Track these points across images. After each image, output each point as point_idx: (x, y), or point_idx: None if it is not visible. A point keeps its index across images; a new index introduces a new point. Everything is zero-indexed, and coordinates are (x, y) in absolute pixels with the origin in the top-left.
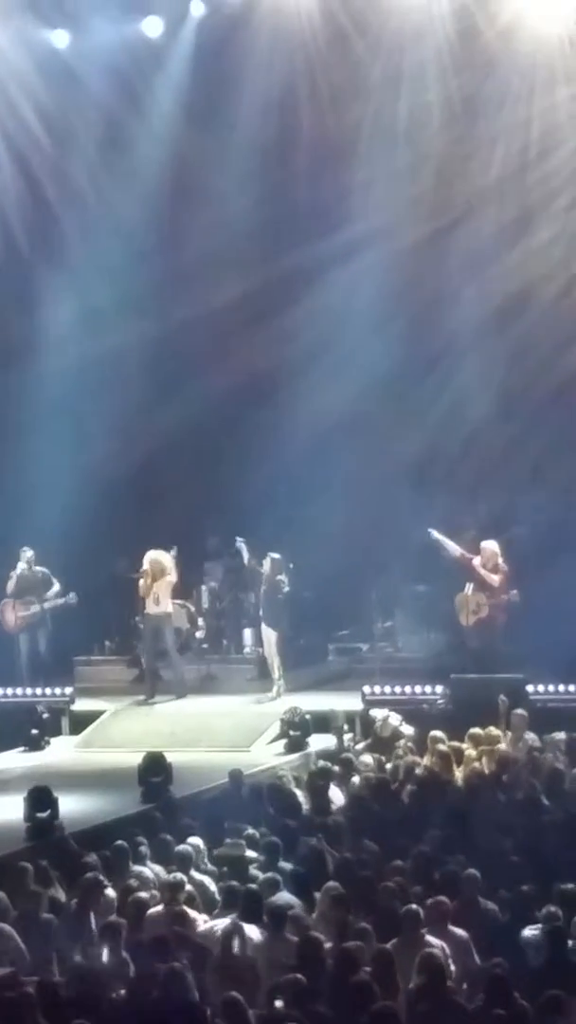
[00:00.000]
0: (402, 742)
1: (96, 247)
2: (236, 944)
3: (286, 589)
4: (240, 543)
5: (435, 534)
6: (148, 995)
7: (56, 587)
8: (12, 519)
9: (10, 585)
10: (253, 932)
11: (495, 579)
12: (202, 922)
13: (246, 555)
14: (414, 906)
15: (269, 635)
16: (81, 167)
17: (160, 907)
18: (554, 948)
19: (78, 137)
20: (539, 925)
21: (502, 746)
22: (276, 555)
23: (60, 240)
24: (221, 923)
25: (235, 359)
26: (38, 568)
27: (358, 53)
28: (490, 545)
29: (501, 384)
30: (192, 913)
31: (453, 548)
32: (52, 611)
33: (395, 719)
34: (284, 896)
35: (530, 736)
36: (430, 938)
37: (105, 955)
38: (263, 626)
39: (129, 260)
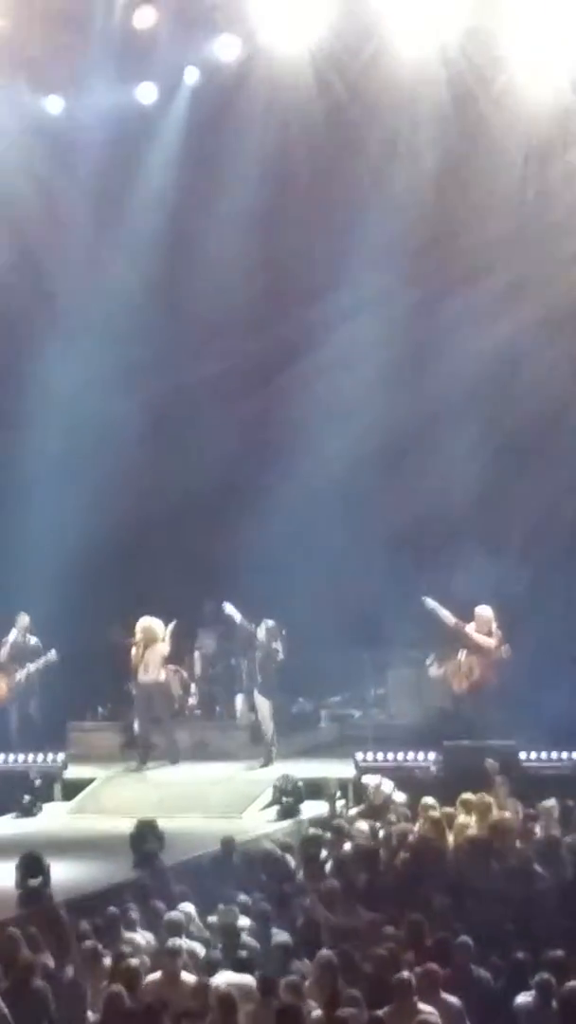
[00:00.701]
0: (395, 808)
1: (91, 314)
2: None
3: (280, 657)
4: (228, 608)
5: (429, 602)
6: None
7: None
8: (4, 583)
9: (3, 652)
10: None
11: (491, 642)
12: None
13: (237, 618)
14: (406, 973)
15: (262, 703)
16: (76, 234)
17: (158, 974)
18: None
19: (72, 203)
20: (531, 992)
21: (495, 813)
22: (271, 622)
23: (55, 307)
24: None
25: (229, 425)
26: (32, 638)
27: (353, 120)
28: (484, 611)
29: (494, 453)
30: (188, 977)
31: (447, 616)
32: (40, 675)
33: (387, 786)
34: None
35: (513, 802)
36: (422, 1005)
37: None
38: (256, 693)
39: (124, 327)
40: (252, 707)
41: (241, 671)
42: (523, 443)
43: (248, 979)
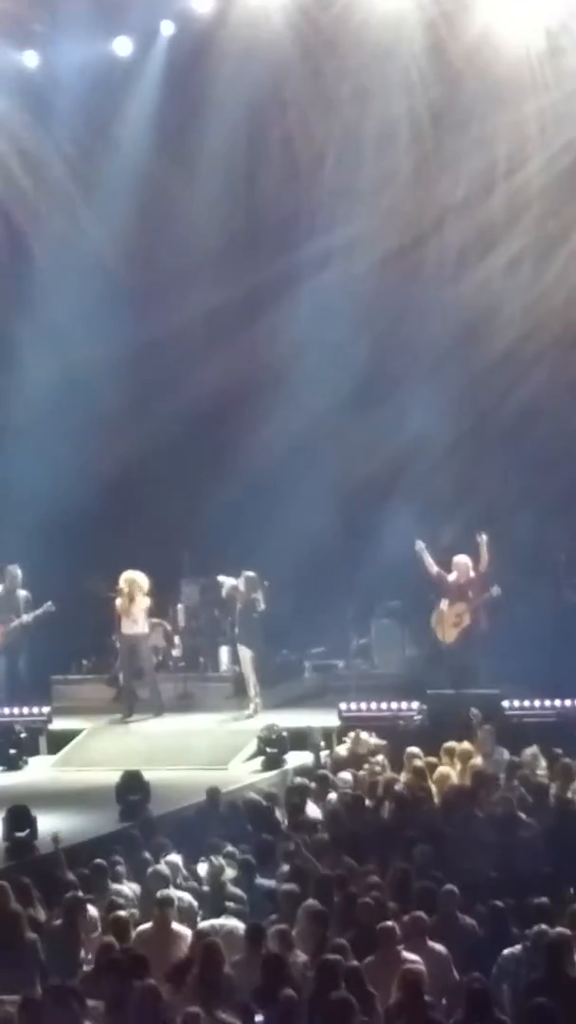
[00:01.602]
0: (379, 758)
1: (64, 263)
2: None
3: (261, 607)
4: (221, 579)
5: (419, 544)
6: (125, 1012)
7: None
8: None
9: None
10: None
11: (473, 572)
12: (188, 936)
13: (225, 589)
14: (390, 922)
15: (244, 654)
16: (50, 185)
17: (148, 924)
18: (552, 962)
19: (48, 155)
20: (519, 946)
21: (477, 761)
22: (251, 573)
23: (27, 256)
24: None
25: (205, 375)
26: (21, 591)
27: (327, 69)
28: (461, 559)
29: (473, 398)
30: (178, 928)
31: (430, 565)
32: (34, 624)
33: (365, 735)
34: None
35: (499, 749)
36: (406, 954)
37: (91, 973)
38: (238, 645)
39: (98, 277)
40: (235, 659)
41: (224, 623)
42: (501, 388)
43: (236, 924)
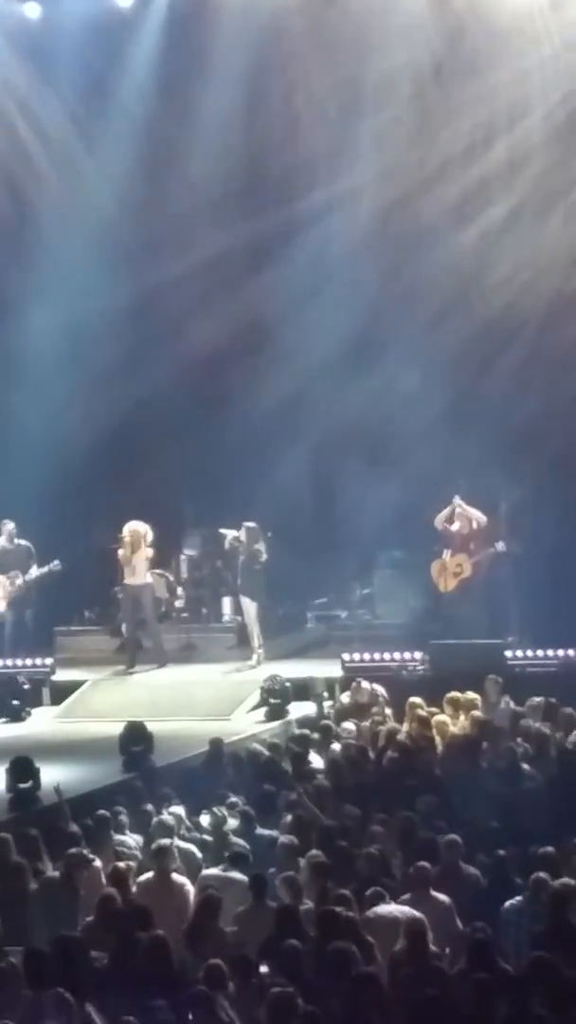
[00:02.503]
0: (382, 708)
1: (65, 216)
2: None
3: (263, 558)
4: (223, 532)
5: (456, 500)
6: (131, 963)
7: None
8: None
9: None
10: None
11: (481, 518)
12: (190, 886)
13: (227, 541)
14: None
15: (247, 605)
16: (51, 137)
17: (150, 874)
18: (555, 912)
19: (48, 107)
20: (520, 896)
21: (477, 713)
22: (252, 524)
23: (29, 207)
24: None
25: (205, 327)
26: (20, 541)
27: (328, 20)
28: (460, 511)
29: (470, 351)
30: (179, 878)
31: (441, 517)
32: (38, 583)
33: (367, 685)
34: None
35: (505, 700)
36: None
37: (92, 924)
38: (241, 596)
39: (98, 229)
40: (238, 609)
41: (227, 573)
42: (502, 339)
43: (238, 876)
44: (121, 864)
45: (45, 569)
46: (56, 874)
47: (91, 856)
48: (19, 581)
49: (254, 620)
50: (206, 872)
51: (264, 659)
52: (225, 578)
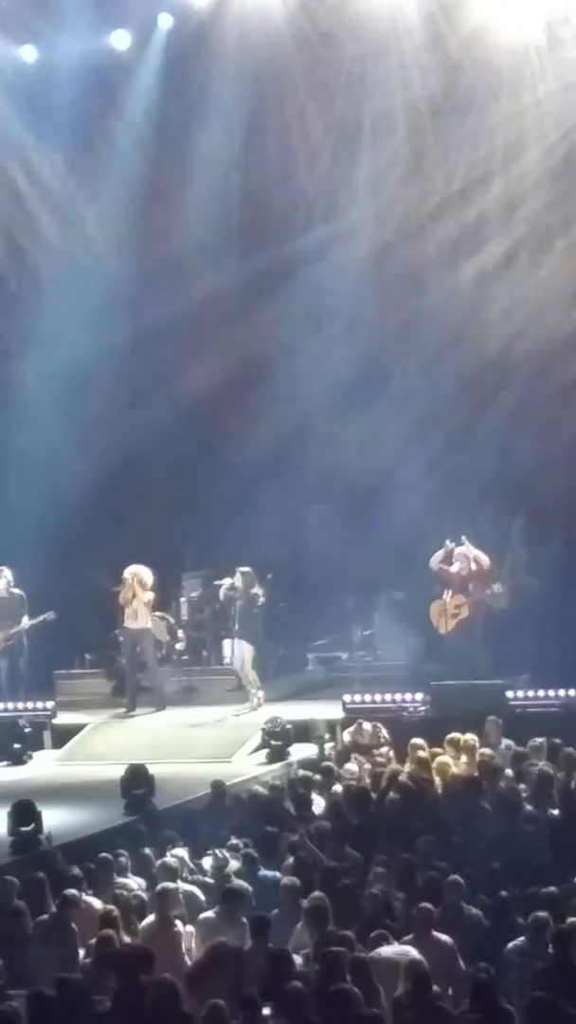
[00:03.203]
0: (384, 750)
1: (61, 257)
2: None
3: (261, 601)
4: (217, 583)
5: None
6: (135, 1006)
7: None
8: None
9: None
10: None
11: (475, 566)
12: (187, 932)
13: (222, 591)
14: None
15: (244, 649)
16: (47, 179)
17: (151, 917)
18: (558, 951)
19: (45, 149)
20: (523, 937)
21: (484, 751)
22: (246, 569)
23: (23, 251)
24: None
25: (202, 367)
26: (15, 590)
27: (324, 61)
28: (464, 551)
29: (469, 389)
30: (179, 925)
31: (435, 560)
32: (31, 632)
33: (368, 726)
34: None
35: (506, 742)
36: (408, 948)
37: (91, 967)
38: (237, 640)
39: (95, 270)
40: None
41: (227, 616)
42: (500, 377)
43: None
44: (113, 907)
45: (39, 619)
46: (46, 917)
47: (80, 896)
48: (13, 631)
49: (250, 664)
50: (203, 916)
51: (263, 701)
52: (225, 621)
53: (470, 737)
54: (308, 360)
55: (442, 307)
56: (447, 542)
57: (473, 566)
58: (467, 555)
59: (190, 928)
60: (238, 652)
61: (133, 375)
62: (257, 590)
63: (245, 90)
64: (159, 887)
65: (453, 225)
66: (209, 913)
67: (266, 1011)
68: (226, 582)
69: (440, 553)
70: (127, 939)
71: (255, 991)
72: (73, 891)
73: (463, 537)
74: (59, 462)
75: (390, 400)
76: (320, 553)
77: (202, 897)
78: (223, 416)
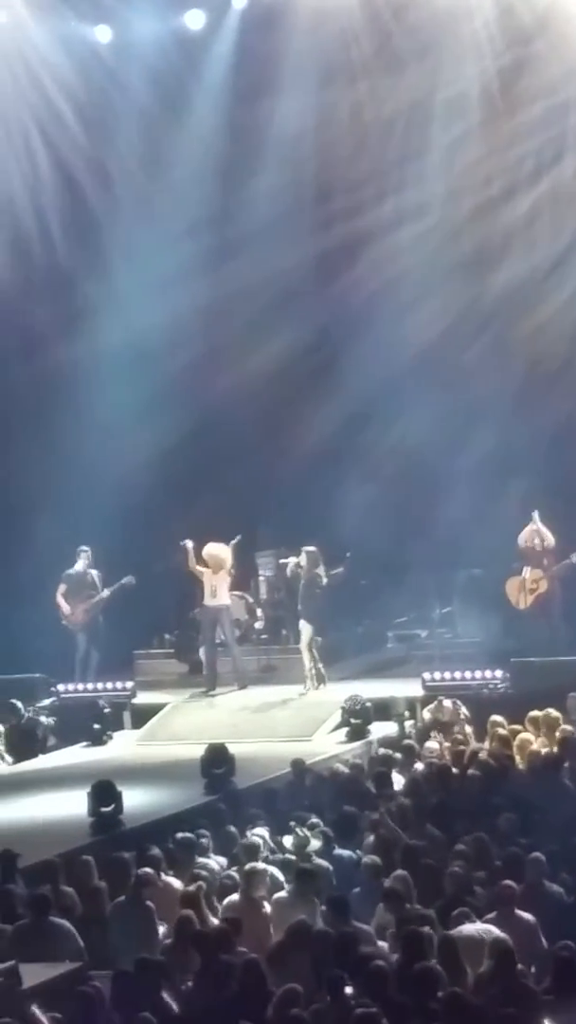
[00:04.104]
0: (464, 727)
1: (134, 234)
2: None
3: (324, 582)
4: (282, 561)
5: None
6: (219, 986)
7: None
8: (68, 514)
9: (61, 588)
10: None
11: (549, 538)
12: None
13: (289, 568)
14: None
15: (304, 628)
16: (122, 155)
17: (236, 896)
18: None
19: (120, 127)
20: None
21: (566, 727)
22: (311, 548)
23: (98, 227)
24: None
25: (274, 339)
26: (92, 571)
27: (396, 35)
28: (538, 528)
29: (540, 361)
30: (265, 904)
31: (522, 536)
32: (112, 599)
33: (448, 703)
34: None
35: None
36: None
37: (172, 947)
38: (300, 620)
39: (167, 245)
40: (316, 631)
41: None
42: (566, 351)
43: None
44: (192, 887)
45: (118, 584)
46: (123, 898)
47: (156, 875)
48: (93, 600)
49: (305, 644)
50: (276, 896)
51: (324, 682)
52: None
53: (552, 712)
54: (380, 334)
55: (513, 286)
56: (534, 514)
57: (545, 543)
58: (539, 532)
59: (268, 908)
60: (302, 632)
61: (204, 346)
62: (319, 570)
63: (317, 66)
64: (247, 867)
65: (526, 203)
66: (282, 893)
67: (348, 990)
68: (291, 561)
69: (528, 528)
70: (211, 919)
71: (338, 971)
72: (148, 870)
73: (534, 513)
74: (134, 439)
75: (462, 374)
76: (399, 530)
77: (281, 877)
78: (296, 392)
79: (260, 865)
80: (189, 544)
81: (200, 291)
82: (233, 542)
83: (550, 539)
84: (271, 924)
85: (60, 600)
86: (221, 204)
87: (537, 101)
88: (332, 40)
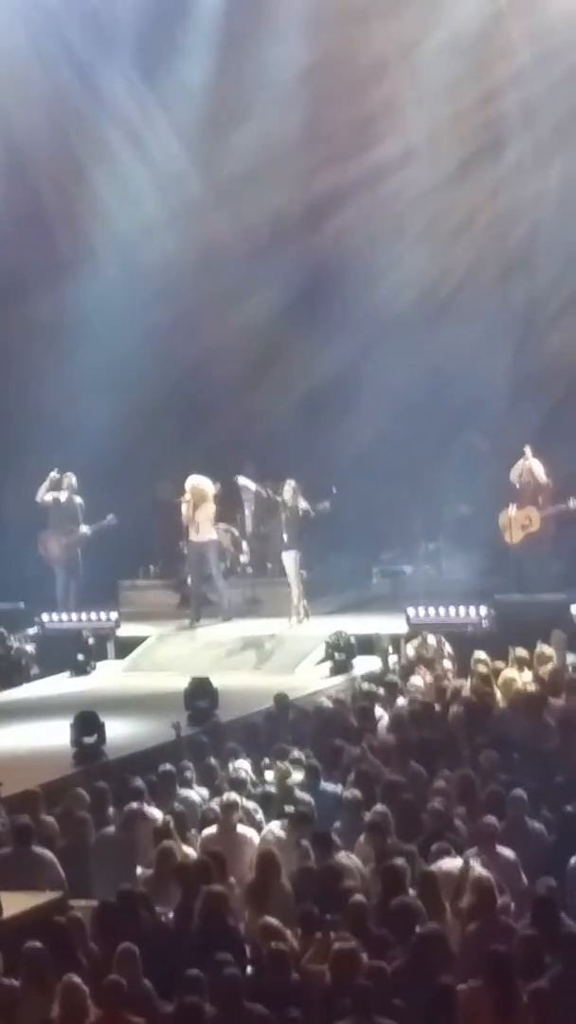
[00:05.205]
0: (446, 663)
1: (126, 173)
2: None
3: (307, 513)
4: (241, 480)
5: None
6: (192, 917)
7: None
8: (54, 442)
9: (49, 515)
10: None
11: (540, 473)
12: (254, 836)
13: (252, 487)
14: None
15: (288, 560)
16: (116, 93)
17: (213, 828)
18: None
19: (112, 64)
20: None
21: (549, 667)
22: (292, 481)
23: (88, 168)
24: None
25: (269, 280)
26: (76, 498)
27: None
28: (534, 464)
29: (536, 308)
30: (246, 830)
31: (513, 471)
32: (92, 538)
33: (432, 639)
34: None
35: (572, 658)
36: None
37: (152, 878)
38: (283, 552)
39: (160, 183)
40: (302, 564)
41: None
42: (572, 295)
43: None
44: (168, 818)
45: (99, 524)
46: (112, 829)
47: (148, 810)
48: (73, 535)
49: (294, 576)
50: (265, 832)
51: (308, 616)
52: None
53: (546, 649)
54: (374, 276)
55: (518, 219)
56: (526, 449)
57: (537, 479)
58: (531, 469)
59: (253, 833)
60: (286, 564)
61: (197, 288)
62: (303, 503)
63: (310, 6)
64: (223, 798)
65: (528, 139)
66: (274, 830)
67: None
68: (251, 484)
69: (519, 464)
70: (189, 850)
71: (315, 906)
72: (136, 804)
73: (526, 448)
74: (124, 372)
75: (460, 313)
76: (386, 467)
77: (260, 814)
78: (289, 329)
79: (233, 796)
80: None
81: (189, 237)
82: (213, 491)
83: (542, 475)
84: (251, 856)
85: (41, 538)
86: (213, 147)
87: (534, 43)
88: None
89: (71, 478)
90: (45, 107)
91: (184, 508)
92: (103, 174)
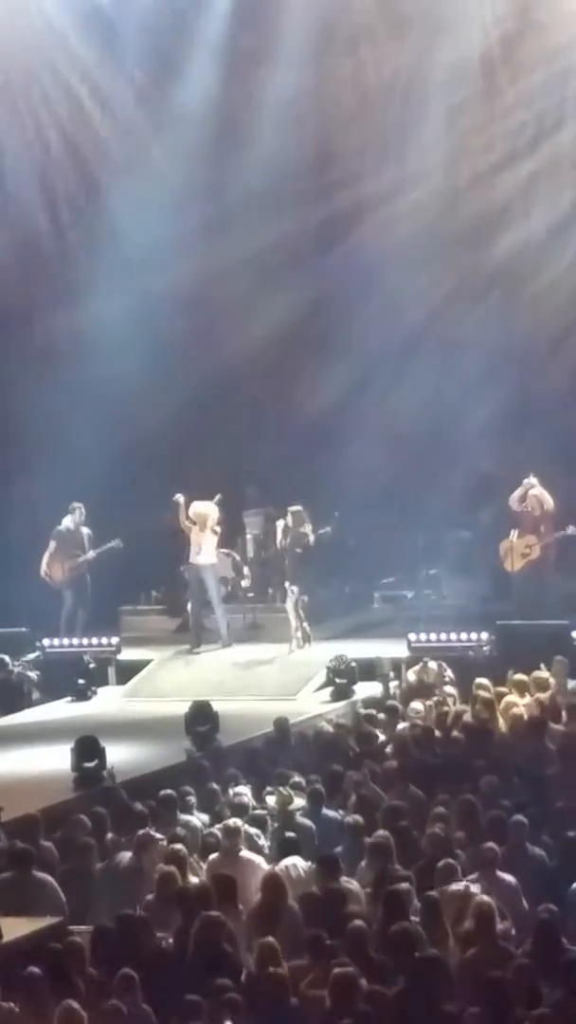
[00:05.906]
0: (448, 689)
1: (134, 196)
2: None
3: (310, 541)
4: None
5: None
6: (199, 943)
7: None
8: (58, 467)
9: (51, 545)
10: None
11: (549, 501)
12: (259, 863)
13: (257, 527)
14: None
15: (291, 589)
16: (120, 117)
17: (216, 853)
18: None
19: (117, 88)
20: None
21: (552, 690)
22: (297, 508)
23: (97, 190)
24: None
25: (273, 306)
26: (84, 529)
27: (398, 1)
28: (537, 492)
29: (539, 333)
30: (250, 856)
31: (513, 498)
32: (99, 559)
33: (433, 665)
34: None
35: (573, 683)
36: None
37: (153, 904)
38: (287, 580)
39: (166, 207)
40: (302, 592)
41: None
42: (567, 329)
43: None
44: (178, 845)
45: (104, 547)
46: (126, 854)
47: (159, 836)
48: (79, 559)
49: (293, 605)
50: (293, 862)
51: (309, 641)
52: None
53: (542, 674)
54: (379, 302)
55: (514, 253)
56: (526, 481)
57: (546, 507)
58: (538, 497)
59: (261, 862)
60: (288, 592)
61: (203, 314)
62: (306, 529)
63: (317, 27)
64: (225, 823)
65: (525, 172)
66: (299, 866)
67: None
68: (281, 523)
69: (519, 491)
70: (192, 878)
71: (320, 931)
72: (149, 831)
73: (532, 478)
74: (128, 397)
75: (461, 341)
76: (389, 492)
77: (262, 840)
78: (293, 355)
79: (238, 821)
80: (180, 498)
81: (199, 258)
82: (214, 500)
83: (550, 503)
84: (256, 881)
85: (44, 558)
86: (220, 170)
87: (538, 67)
88: (333, 3)
89: (80, 509)
90: (56, 131)
91: (187, 532)
92: (114, 196)
